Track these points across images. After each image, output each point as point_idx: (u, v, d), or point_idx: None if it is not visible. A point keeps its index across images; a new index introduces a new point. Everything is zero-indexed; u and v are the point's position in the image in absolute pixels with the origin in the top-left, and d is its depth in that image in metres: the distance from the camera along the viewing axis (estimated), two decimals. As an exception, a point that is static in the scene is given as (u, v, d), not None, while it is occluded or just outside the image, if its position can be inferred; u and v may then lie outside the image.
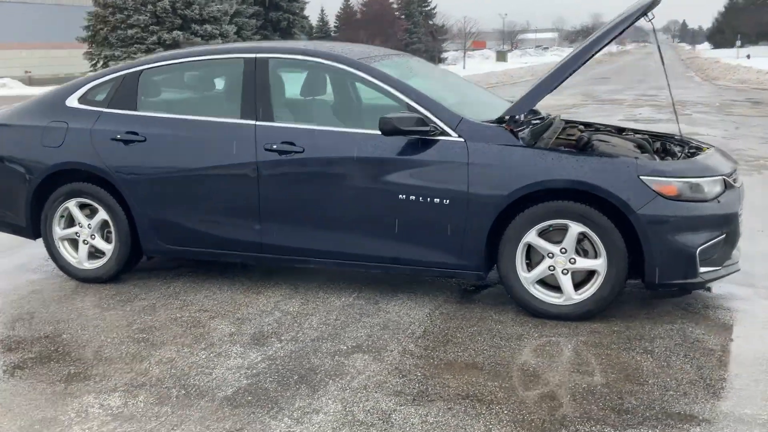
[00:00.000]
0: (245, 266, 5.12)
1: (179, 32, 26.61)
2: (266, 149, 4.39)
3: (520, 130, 4.18)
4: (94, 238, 4.87)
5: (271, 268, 5.04)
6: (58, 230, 4.93)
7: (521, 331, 3.96)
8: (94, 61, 27.78)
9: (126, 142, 4.67)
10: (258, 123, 4.46)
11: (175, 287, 4.80)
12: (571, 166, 3.97)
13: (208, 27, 27.26)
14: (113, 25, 26.84)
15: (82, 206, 4.86)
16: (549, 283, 4.13)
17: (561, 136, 4.73)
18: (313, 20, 46.74)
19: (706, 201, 3.99)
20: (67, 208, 4.87)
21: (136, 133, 4.66)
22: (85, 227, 4.86)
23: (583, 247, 4.05)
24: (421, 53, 42.26)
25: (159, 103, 4.83)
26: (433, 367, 3.55)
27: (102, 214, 4.80)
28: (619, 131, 5.34)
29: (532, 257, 4.14)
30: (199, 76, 4.93)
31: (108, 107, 4.81)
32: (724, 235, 4.04)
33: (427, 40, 42.49)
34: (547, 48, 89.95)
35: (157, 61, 4.88)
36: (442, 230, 4.17)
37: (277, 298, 4.54)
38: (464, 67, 39.22)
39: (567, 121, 5.44)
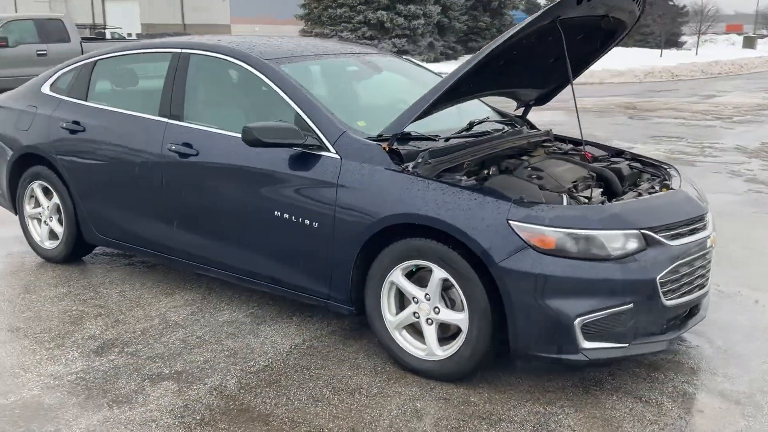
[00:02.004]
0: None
1: (383, 12, 27.01)
2: (168, 149, 4.22)
3: (414, 151, 3.58)
4: (51, 220, 5.04)
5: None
6: (28, 209, 5.18)
7: (370, 385, 3.43)
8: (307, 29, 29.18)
9: (71, 131, 4.74)
10: (168, 121, 4.30)
11: (108, 277, 4.84)
12: (434, 200, 3.33)
13: (412, 7, 27.34)
14: (325, 5, 27.92)
15: (45, 189, 5.04)
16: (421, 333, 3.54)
17: (532, 154, 4.06)
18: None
19: (604, 260, 3.15)
20: (33, 189, 5.08)
21: (78, 123, 4.72)
22: (45, 209, 5.04)
23: (451, 296, 3.41)
24: (655, 36, 39.08)
25: (104, 94, 4.84)
26: (223, 413, 3.19)
27: (55, 199, 4.95)
28: (617, 154, 4.45)
29: (405, 300, 3.57)
30: (143, 69, 4.86)
31: (67, 95, 4.92)
32: (630, 306, 3.17)
33: (663, 22, 39.06)
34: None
35: (111, 52, 4.88)
36: (313, 255, 3.74)
37: (177, 303, 4.39)
38: (696, 53, 35.67)
39: (555, 138, 4.64)
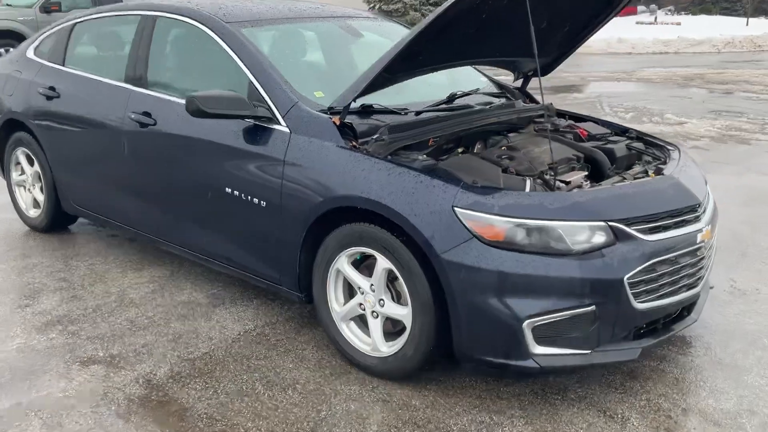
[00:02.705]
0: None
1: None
2: (130, 118, 3.99)
3: (376, 127, 3.24)
4: (34, 188, 4.93)
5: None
6: (14, 175, 5.08)
7: (308, 380, 3.15)
8: (371, 5, 28.66)
9: (47, 97, 4.59)
10: (132, 88, 4.08)
11: (85, 249, 4.70)
12: (377, 182, 2.99)
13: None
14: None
15: (28, 156, 4.91)
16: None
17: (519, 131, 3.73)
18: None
19: (563, 255, 2.75)
20: (17, 156, 4.97)
21: (54, 89, 4.55)
22: (28, 176, 4.93)
23: (397, 289, 3.08)
24: (743, 3, 36.82)
25: (79, 59, 4.64)
26: (141, 404, 2.97)
27: (36, 166, 4.82)
28: (621, 132, 3.99)
29: (354, 290, 3.26)
30: (116, 33, 4.63)
31: (47, 60, 4.76)
32: (592, 308, 2.77)
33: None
34: None
35: (88, 15, 4.68)
36: (263, 237, 3.46)
37: (142, 279, 4.20)
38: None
39: (558, 113, 4.20)
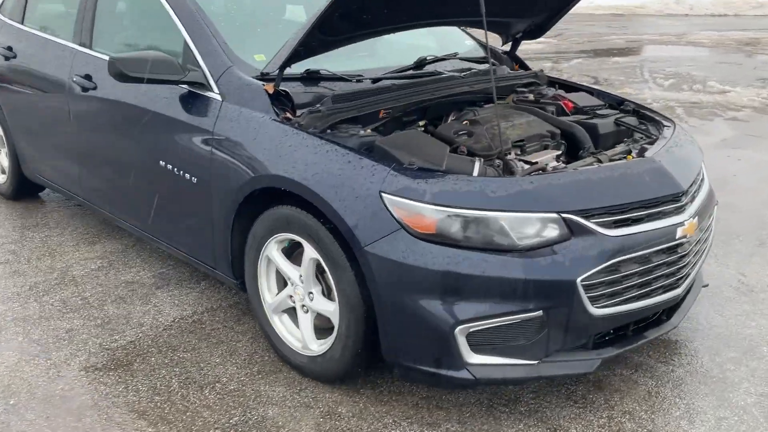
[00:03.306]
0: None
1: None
2: (73, 81, 3.69)
3: (316, 95, 2.88)
4: (0, 153, 4.70)
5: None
6: (-18, 140, 4.85)
7: (231, 379, 2.84)
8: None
9: (5, 57, 4.32)
10: (77, 49, 3.77)
11: (46, 219, 4.48)
12: (303, 160, 2.61)
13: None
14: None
15: (-5, 121, 4.68)
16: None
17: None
18: None
19: (505, 251, 2.35)
20: (-16, 120, 4.74)
21: (11, 49, 4.28)
22: (-6, 141, 4.70)
23: (327, 282, 2.72)
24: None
25: (37, 17, 4.35)
26: (42, 400, 2.70)
27: (0, 131, 4.58)
28: (617, 104, 3.52)
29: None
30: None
31: (8, 17, 4.49)
32: (538, 313, 2.37)
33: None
34: None
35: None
36: (196, 216, 3.13)
37: (93, 254, 3.94)
38: None
39: (549, 81, 3.75)
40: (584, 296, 2.36)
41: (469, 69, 3.56)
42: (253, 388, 2.75)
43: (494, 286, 2.32)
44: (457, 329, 2.34)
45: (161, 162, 3.19)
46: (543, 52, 12.33)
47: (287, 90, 2.85)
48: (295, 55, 2.74)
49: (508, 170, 2.68)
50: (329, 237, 2.53)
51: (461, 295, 2.34)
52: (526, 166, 2.74)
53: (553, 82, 3.79)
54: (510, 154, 2.83)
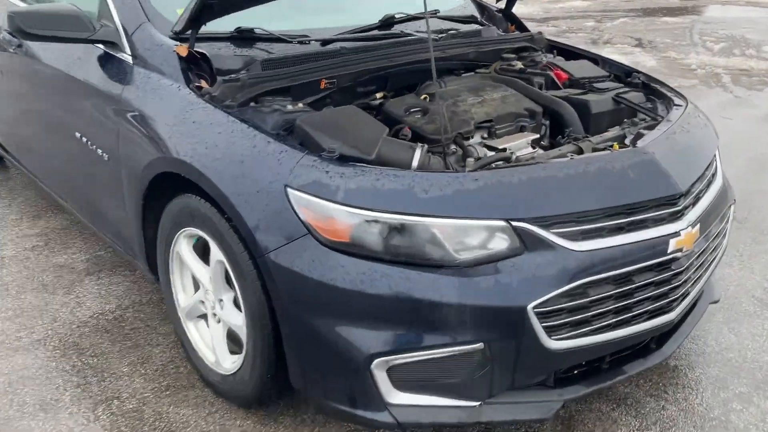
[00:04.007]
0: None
1: None
2: (4, 38, 3.26)
3: (246, 60, 2.40)
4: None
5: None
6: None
7: (133, 395, 2.44)
8: None
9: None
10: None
11: (1, 188, 4.10)
12: (206, 141, 2.13)
13: None
14: None
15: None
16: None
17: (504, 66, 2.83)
18: None
19: (438, 267, 1.84)
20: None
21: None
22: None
23: (240, 287, 2.25)
24: None
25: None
26: None
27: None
28: (625, 75, 2.94)
29: (207, 277, 2.46)
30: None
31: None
32: (478, 346, 1.87)
33: None
34: None
35: None
36: (111, 198, 2.70)
37: (32, 231, 3.58)
38: None
39: (550, 45, 3.19)
40: (538, 326, 1.85)
41: (452, 30, 3.01)
42: (155, 409, 2.32)
43: (423, 312, 1.83)
44: (374, 363, 1.86)
45: (77, 133, 2.76)
46: (588, 10, 11.51)
47: (206, 53, 2.35)
48: (208, 8, 2.24)
49: (464, 158, 2.16)
50: (233, 237, 2.05)
51: (380, 322, 1.85)
52: (490, 154, 2.22)
53: (553, 47, 3.21)
54: (473, 137, 2.30)
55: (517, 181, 1.90)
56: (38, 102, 3.05)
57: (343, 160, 1.95)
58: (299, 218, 1.88)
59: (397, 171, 1.90)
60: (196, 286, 2.45)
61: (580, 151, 2.20)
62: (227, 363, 2.31)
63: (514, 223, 1.84)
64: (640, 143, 2.18)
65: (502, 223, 1.84)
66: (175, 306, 2.49)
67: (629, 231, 1.97)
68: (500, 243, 1.85)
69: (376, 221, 1.82)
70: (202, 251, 2.35)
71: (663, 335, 2.24)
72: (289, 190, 1.90)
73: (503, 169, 1.93)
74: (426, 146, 2.07)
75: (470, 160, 2.07)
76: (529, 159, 2.09)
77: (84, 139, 2.71)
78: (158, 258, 2.50)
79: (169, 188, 2.32)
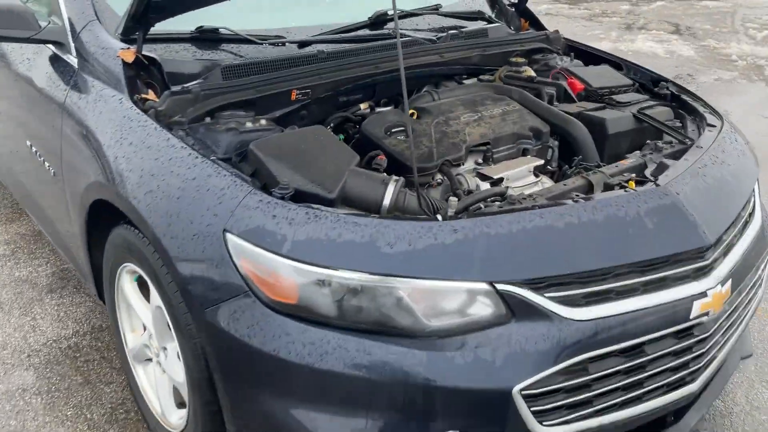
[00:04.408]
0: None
1: None
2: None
3: (206, 65, 2.07)
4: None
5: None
6: None
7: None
8: None
9: None
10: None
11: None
12: (141, 168, 1.81)
13: None
14: None
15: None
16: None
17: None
18: None
19: (404, 337, 1.51)
20: None
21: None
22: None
23: (186, 335, 1.94)
24: None
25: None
26: None
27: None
28: (653, 84, 2.56)
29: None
30: None
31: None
32: (453, 433, 1.53)
33: None
34: None
35: None
36: (59, 218, 2.40)
37: (7, 235, 3.30)
38: None
39: (569, 46, 2.81)
40: (526, 411, 1.51)
41: (456, 28, 2.64)
42: (92, 466, 2.03)
43: (382, 393, 1.49)
44: (317, 448, 1.53)
45: (28, 141, 2.46)
46: (624, -8, 10.91)
47: (156, 58, 2.02)
48: (154, 6, 1.90)
49: (452, 190, 1.82)
50: (171, 284, 1.73)
51: (331, 405, 1.52)
52: (484, 186, 1.87)
53: (571, 49, 2.82)
54: (464, 163, 1.96)
55: (506, 232, 1.55)
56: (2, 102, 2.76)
57: (300, 198, 1.61)
58: (238, 271, 1.55)
59: (358, 218, 1.55)
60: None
61: (590, 187, 1.83)
62: (174, 418, 2.01)
63: (500, 286, 1.49)
64: (662, 179, 1.81)
65: (484, 285, 1.49)
66: (121, 342, 2.19)
67: (644, 293, 1.61)
68: (482, 309, 1.50)
69: (329, 281, 1.49)
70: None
71: (680, 409, 1.88)
72: (228, 235, 1.57)
73: (489, 217, 1.57)
74: (402, 180, 1.73)
75: (453, 200, 1.72)
76: (526, 198, 1.73)
77: (34, 149, 2.42)
78: (105, 291, 2.19)
79: (114, 214, 2.00)
